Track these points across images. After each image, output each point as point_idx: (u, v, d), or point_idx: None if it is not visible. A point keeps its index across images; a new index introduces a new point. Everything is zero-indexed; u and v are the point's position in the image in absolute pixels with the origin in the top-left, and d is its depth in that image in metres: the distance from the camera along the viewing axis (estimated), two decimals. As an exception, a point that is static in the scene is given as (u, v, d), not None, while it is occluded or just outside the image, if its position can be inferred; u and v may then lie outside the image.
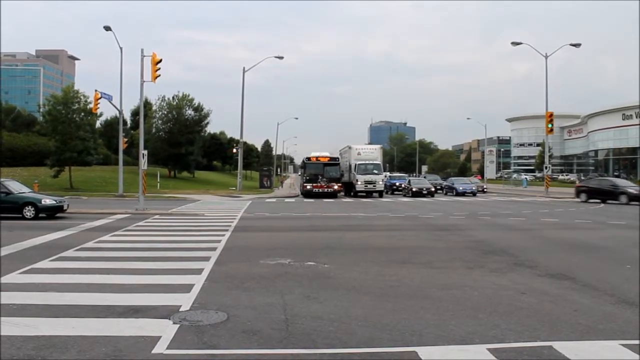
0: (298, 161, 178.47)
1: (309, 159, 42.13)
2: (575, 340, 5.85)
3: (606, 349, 5.64)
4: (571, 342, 5.78)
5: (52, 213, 20.79)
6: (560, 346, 5.61)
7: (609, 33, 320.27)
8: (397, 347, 5.62)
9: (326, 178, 40.09)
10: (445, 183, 51.48)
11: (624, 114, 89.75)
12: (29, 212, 20.00)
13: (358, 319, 6.66)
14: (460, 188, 45.43)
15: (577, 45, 43.44)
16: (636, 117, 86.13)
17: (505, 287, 8.64)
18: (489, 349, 5.53)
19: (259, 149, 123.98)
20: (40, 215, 20.23)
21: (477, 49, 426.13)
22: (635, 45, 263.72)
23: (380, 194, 42.30)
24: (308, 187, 40.14)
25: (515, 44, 43.72)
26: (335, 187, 39.95)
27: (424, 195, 41.93)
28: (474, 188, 46.13)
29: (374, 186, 41.18)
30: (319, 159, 41.44)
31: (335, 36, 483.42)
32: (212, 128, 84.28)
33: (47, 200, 20.71)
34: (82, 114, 42.66)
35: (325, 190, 39.62)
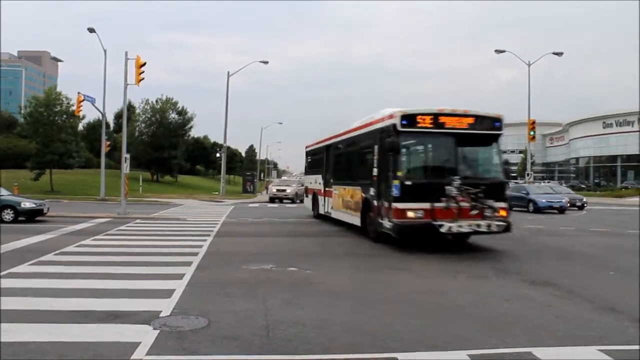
0: (282, 166, 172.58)
1: (410, 119, 13.24)
2: (554, 347, 5.90)
3: (584, 354, 5.70)
4: (550, 348, 5.82)
5: (32, 216, 20.51)
6: (539, 352, 5.65)
7: (591, 41, 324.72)
8: (378, 353, 5.61)
9: (466, 182, 12.88)
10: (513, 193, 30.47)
11: (604, 122, 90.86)
12: (7, 215, 19.69)
13: (340, 324, 6.65)
14: (543, 201, 30.18)
15: (559, 54, 43.97)
16: (616, 125, 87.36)
17: (489, 294, 8.68)
18: (469, 355, 5.56)
19: (243, 154, 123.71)
20: (20, 218, 19.93)
21: (463, 55, 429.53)
22: (616, 53, 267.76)
23: None
24: (411, 214, 12.72)
25: (498, 51, 44.12)
26: (502, 209, 13.49)
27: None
28: (563, 202, 30.67)
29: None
30: (441, 120, 13.41)
31: (321, 40, 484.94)
32: (195, 132, 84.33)
33: (27, 204, 20.44)
34: (65, 116, 42.34)
35: (479, 227, 12.84)
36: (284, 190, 40.65)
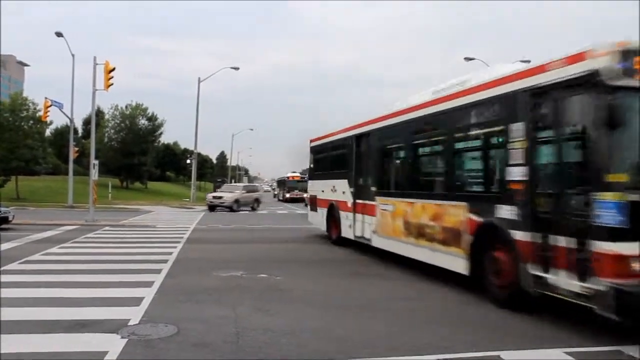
0: (254, 172, 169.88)
1: (631, 61, 6.20)
2: (521, 350, 6.01)
3: (550, 357, 5.83)
4: (517, 351, 5.94)
5: (-4, 224, 20.02)
6: (506, 355, 5.76)
7: (559, 49, 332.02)
8: (349, 359, 5.64)
9: None
10: None
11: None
12: (-29, 223, 19.22)
13: (310, 331, 6.66)
14: None
15: (526, 61, 44.68)
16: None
17: (457, 299, 8.80)
18: (438, 359, 5.63)
19: (214, 160, 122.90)
20: (-16, 226, 19.46)
21: (439, 62, 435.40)
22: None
23: None
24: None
25: (467, 59, 44.64)
26: None
27: None
28: None
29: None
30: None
31: (295, 47, 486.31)
32: (166, 138, 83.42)
33: (-9, 211, 19.97)
34: (31, 121, 41.55)
35: None
36: (220, 198, 36.98)
